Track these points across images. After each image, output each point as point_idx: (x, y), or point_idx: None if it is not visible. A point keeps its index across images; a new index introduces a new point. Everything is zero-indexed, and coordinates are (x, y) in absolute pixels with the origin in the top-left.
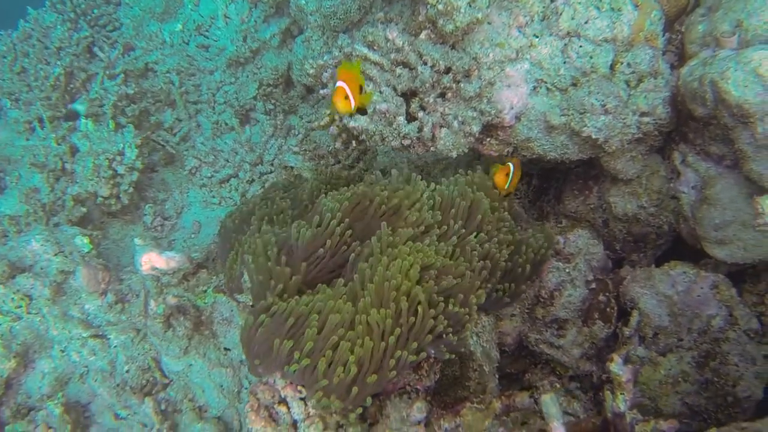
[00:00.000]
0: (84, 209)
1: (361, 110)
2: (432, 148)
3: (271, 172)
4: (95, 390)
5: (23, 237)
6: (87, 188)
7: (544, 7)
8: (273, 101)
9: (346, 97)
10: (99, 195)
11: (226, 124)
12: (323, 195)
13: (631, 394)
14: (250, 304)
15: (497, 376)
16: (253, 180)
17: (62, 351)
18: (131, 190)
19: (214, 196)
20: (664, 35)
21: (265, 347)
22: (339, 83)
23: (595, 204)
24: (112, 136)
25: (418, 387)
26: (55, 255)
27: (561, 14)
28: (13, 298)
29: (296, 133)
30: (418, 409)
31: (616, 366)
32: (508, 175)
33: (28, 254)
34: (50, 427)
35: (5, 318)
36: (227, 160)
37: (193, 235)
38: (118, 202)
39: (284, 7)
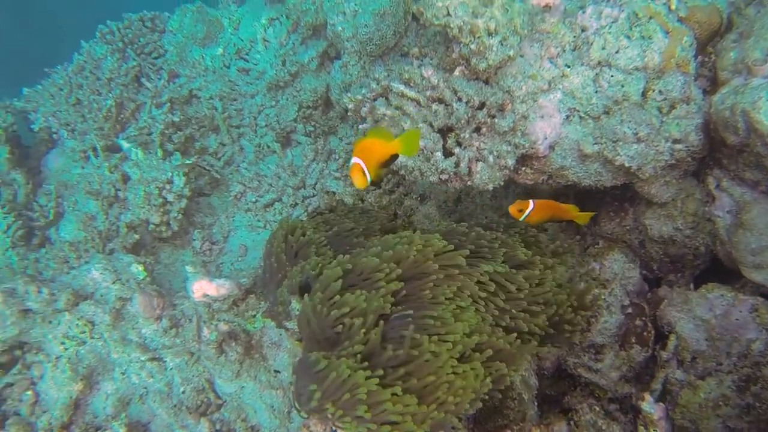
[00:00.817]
0: (137, 236)
1: (376, 183)
2: (469, 183)
3: (313, 195)
4: (154, 410)
5: (84, 266)
6: (139, 216)
7: (575, 37)
8: (313, 123)
9: (363, 173)
10: (150, 222)
11: (268, 146)
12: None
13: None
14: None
15: (536, 403)
16: (296, 204)
17: (123, 373)
18: (180, 216)
19: (259, 220)
20: (696, 59)
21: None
22: (355, 159)
23: (631, 225)
24: (160, 164)
25: (460, 416)
26: (113, 283)
27: (592, 44)
28: (77, 324)
29: (337, 157)
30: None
31: (648, 405)
32: (521, 211)
33: (90, 282)
34: None
35: (71, 342)
36: (271, 185)
37: (240, 259)
38: (168, 228)
39: (321, 30)
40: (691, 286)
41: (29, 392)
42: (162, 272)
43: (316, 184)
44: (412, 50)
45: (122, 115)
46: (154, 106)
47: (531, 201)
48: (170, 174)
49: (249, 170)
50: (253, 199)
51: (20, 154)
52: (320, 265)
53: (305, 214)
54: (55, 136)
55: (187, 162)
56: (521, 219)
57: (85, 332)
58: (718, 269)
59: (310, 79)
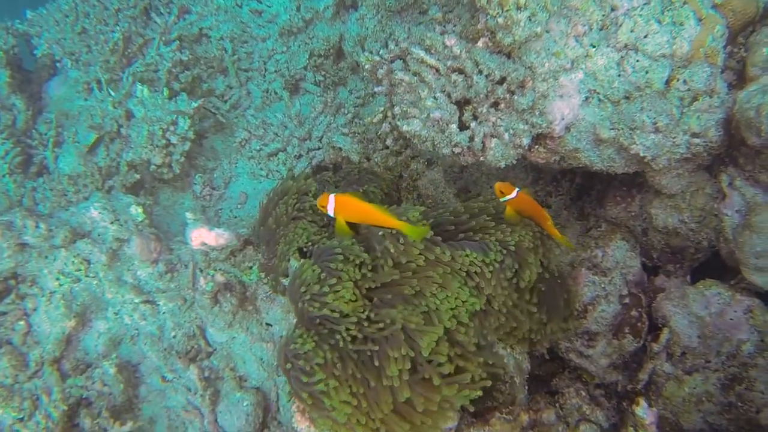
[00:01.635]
0: (137, 175)
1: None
2: (481, 158)
3: (318, 148)
4: (144, 352)
5: (83, 204)
6: (141, 155)
7: (603, 16)
8: (323, 72)
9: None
10: (152, 163)
11: (276, 93)
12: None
13: None
14: None
15: (527, 387)
16: (300, 155)
17: (116, 314)
18: (183, 159)
19: (261, 169)
20: (725, 50)
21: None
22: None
23: (637, 212)
24: (166, 104)
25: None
26: (112, 223)
27: (620, 26)
28: (73, 262)
29: (345, 112)
30: (450, 418)
31: (641, 410)
32: (503, 193)
33: (88, 221)
34: (105, 384)
35: (66, 279)
36: (276, 134)
37: (239, 206)
38: (170, 171)
39: None
40: (688, 278)
41: (22, 322)
42: (160, 214)
43: (322, 137)
44: (436, 15)
45: (129, 50)
46: (163, 43)
47: (516, 189)
48: (175, 115)
49: (255, 117)
50: (258, 147)
51: (21, 79)
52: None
53: (309, 166)
54: (58, 64)
55: (194, 105)
56: (501, 200)
57: (80, 270)
58: (716, 263)
59: (324, 27)
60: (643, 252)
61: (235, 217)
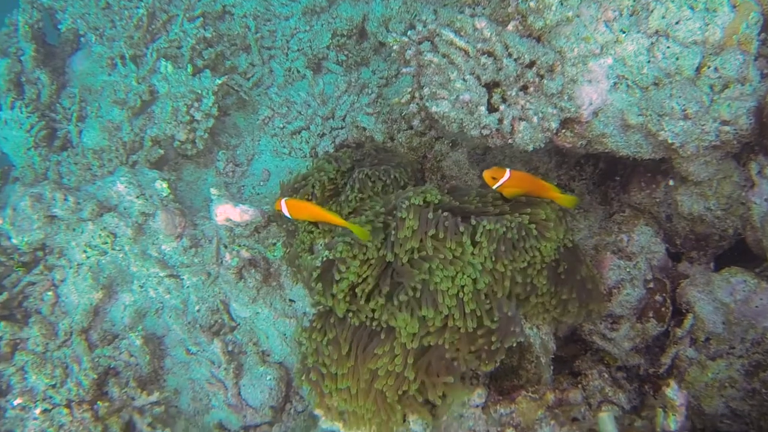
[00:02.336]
0: (161, 151)
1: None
2: (510, 141)
3: (342, 128)
4: (169, 325)
5: (109, 178)
6: (165, 131)
7: (634, 1)
8: (346, 52)
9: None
10: (176, 139)
11: (298, 71)
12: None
13: (683, 417)
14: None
15: (552, 366)
16: (324, 134)
17: (141, 287)
18: (206, 135)
19: (284, 147)
20: (759, 37)
21: None
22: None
23: (661, 198)
24: (189, 80)
25: (479, 372)
26: (137, 197)
27: (652, 11)
28: (100, 235)
29: (369, 92)
30: (478, 395)
31: (672, 391)
32: (495, 179)
33: (114, 194)
34: (132, 355)
35: (93, 252)
36: (300, 112)
37: (262, 183)
38: (194, 146)
39: None
40: (712, 265)
41: (50, 293)
42: (184, 190)
43: (345, 116)
44: None
45: (153, 26)
46: (187, 20)
47: (507, 170)
48: (199, 91)
49: (279, 95)
50: (281, 125)
51: (45, 53)
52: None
53: (332, 145)
54: (82, 39)
55: (218, 82)
56: (494, 187)
57: (107, 243)
58: (740, 250)
59: (347, 7)
60: (666, 238)
61: (258, 193)
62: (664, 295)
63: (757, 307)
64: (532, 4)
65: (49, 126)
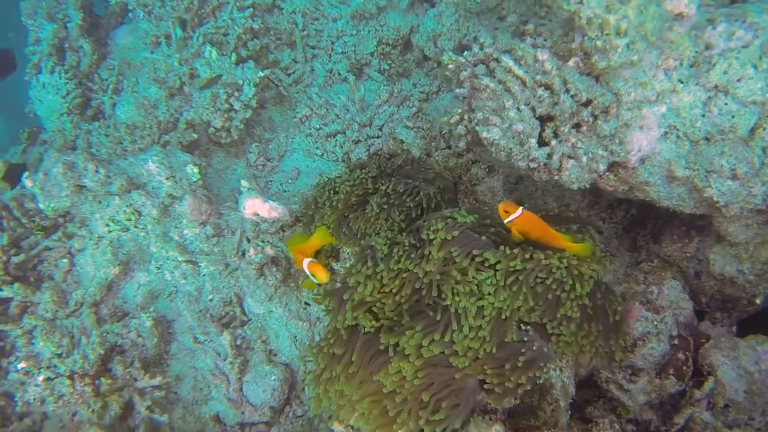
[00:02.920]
0: (195, 135)
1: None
2: (556, 177)
3: (378, 137)
4: (180, 310)
5: (141, 155)
6: (201, 116)
7: (696, 53)
8: (389, 61)
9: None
10: (212, 125)
11: (339, 74)
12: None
13: None
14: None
15: (569, 411)
16: (359, 141)
17: (158, 268)
18: (242, 126)
19: (318, 148)
20: None
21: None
22: (305, 263)
23: (692, 254)
24: (232, 69)
25: (497, 408)
26: (167, 179)
27: (714, 65)
28: (125, 211)
29: (410, 105)
30: (496, 431)
31: None
32: (507, 212)
33: (144, 173)
34: (140, 335)
35: (115, 227)
36: (338, 116)
37: (290, 181)
38: (228, 135)
39: None
40: (734, 328)
41: (65, 260)
42: (212, 177)
43: (383, 126)
44: (527, 27)
45: (203, 10)
46: (237, 8)
47: (521, 207)
48: (241, 81)
49: (319, 96)
50: (317, 126)
51: (91, 23)
52: None
53: (366, 153)
54: (130, 13)
55: (260, 74)
56: (505, 221)
57: (130, 220)
58: (765, 317)
59: (397, 16)
60: (691, 295)
61: (285, 191)
62: (687, 353)
63: None
64: (598, 43)
65: (85, 95)
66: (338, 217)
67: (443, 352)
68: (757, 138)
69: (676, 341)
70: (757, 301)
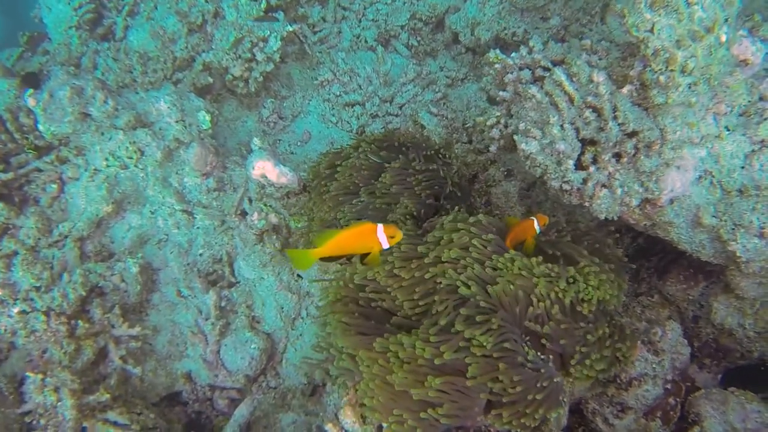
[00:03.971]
0: (210, 79)
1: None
2: (587, 204)
3: (397, 115)
4: (168, 260)
5: (153, 92)
6: (221, 60)
7: (749, 102)
8: (419, 38)
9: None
10: (230, 72)
11: (366, 41)
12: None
13: None
14: None
15: None
16: (377, 115)
17: (152, 213)
18: (261, 79)
19: (334, 115)
20: None
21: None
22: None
23: (695, 298)
24: (260, 16)
25: (491, 430)
26: (177, 122)
27: (765, 119)
28: (127, 147)
29: (436, 90)
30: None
31: None
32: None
33: (154, 111)
34: (123, 281)
35: (115, 162)
36: (360, 86)
37: (299, 144)
38: (245, 86)
39: None
40: (719, 377)
41: (55, 185)
42: (221, 126)
43: (404, 105)
44: (584, 42)
45: None
46: None
47: (533, 218)
48: (268, 32)
49: (345, 62)
50: (337, 92)
51: None
52: None
53: (383, 129)
54: None
55: (289, 29)
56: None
57: (132, 158)
58: (748, 369)
59: None
60: (685, 336)
61: (292, 153)
62: (677, 399)
63: None
64: (661, 78)
65: (98, 11)
66: (343, 191)
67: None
68: None
69: (669, 386)
70: (753, 356)
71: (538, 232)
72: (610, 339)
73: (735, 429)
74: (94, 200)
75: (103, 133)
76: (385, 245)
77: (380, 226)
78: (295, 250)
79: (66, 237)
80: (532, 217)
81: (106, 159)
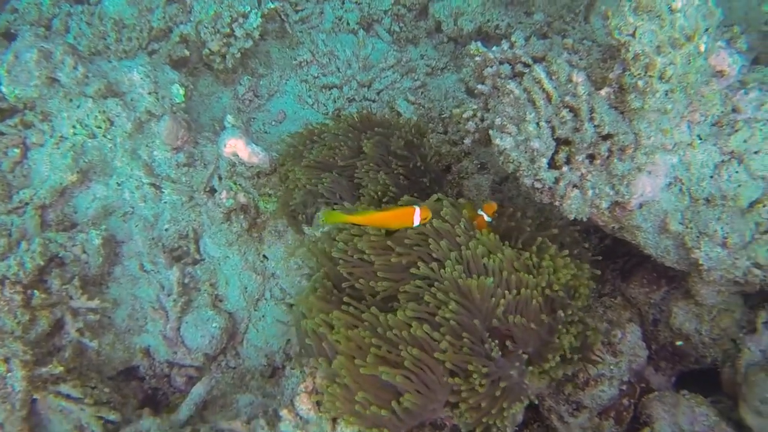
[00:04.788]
0: (187, 52)
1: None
2: (557, 203)
3: (374, 101)
4: (133, 234)
5: (127, 62)
6: (199, 34)
7: (722, 113)
8: (401, 24)
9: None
10: (207, 46)
11: (348, 24)
12: None
13: None
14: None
15: None
16: (354, 100)
17: (118, 185)
18: (239, 55)
19: (310, 96)
20: None
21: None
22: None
23: (657, 301)
24: None
25: (447, 423)
26: (149, 94)
27: (736, 131)
28: (96, 116)
29: (415, 78)
30: None
31: None
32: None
33: (126, 81)
34: (85, 252)
35: (82, 131)
36: (338, 69)
37: (274, 123)
38: (222, 61)
39: None
40: (673, 379)
41: (17, 150)
42: (195, 101)
43: (382, 91)
44: (566, 41)
45: None
46: None
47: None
48: (248, 8)
49: (326, 44)
50: (315, 74)
51: None
52: None
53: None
54: None
55: (271, 5)
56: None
57: (100, 128)
58: (703, 374)
59: None
60: (644, 339)
61: (266, 132)
62: (631, 400)
63: None
64: (640, 83)
65: None
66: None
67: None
68: (754, 212)
69: (624, 387)
70: (707, 361)
71: (489, 221)
72: (578, 339)
73: (683, 431)
74: (58, 168)
75: (71, 100)
76: (416, 223)
77: (418, 208)
78: (332, 211)
79: (27, 204)
80: (479, 211)
81: (74, 127)
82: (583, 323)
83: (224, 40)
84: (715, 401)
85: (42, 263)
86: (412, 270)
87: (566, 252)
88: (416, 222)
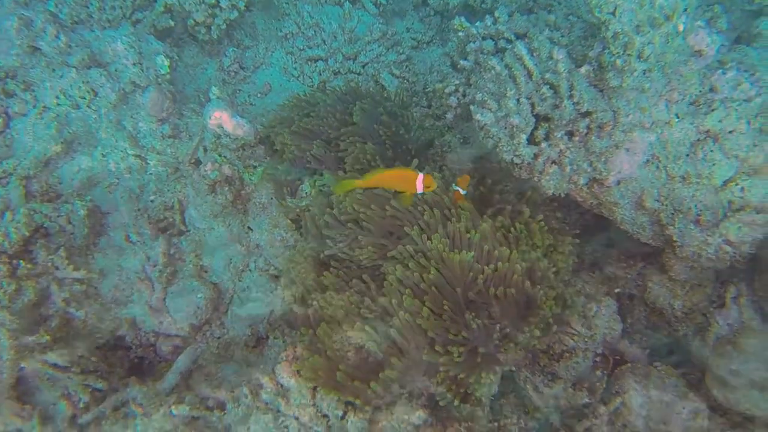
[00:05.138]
0: (172, 22)
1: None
2: (536, 179)
3: (359, 74)
4: (118, 205)
5: (110, 32)
6: (184, 4)
7: (700, 92)
8: None
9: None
10: (192, 17)
11: None
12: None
13: None
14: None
15: (488, 409)
16: (339, 72)
17: (103, 155)
18: (224, 26)
19: (296, 69)
20: None
21: None
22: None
23: (633, 277)
24: None
25: (424, 392)
26: (134, 64)
27: (712, 111)
28: (80, 87)
29: (400, 51)
30: (418, 417)
31: None
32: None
33: (110, 51)
34: (70, 222)
35: (66, 101)
36: (324, 41)
37: (259, 95)
38: (207, 32)
39: None
40: (647, 351)
41: (0, 119)
42: (180, 72)
43: (367, 64)
44: (548, 17)
45: None
46: None
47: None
48: None
49: (311, 16)
50: (301, 46)
51: None
52: None
53: (344, 86)
54: None
55: None
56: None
57: (84, 98)
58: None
59: None
60: (619, 312)
61: (252, 104)
62: (604, 372)
63: (677, 413)
64: (618, 61)
65: None
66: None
67: None
68: (727, 191)
69: (598, 359)
70: (679, 335)
71: (464, 193)
72: (555, 312)
73: (653, 401)
74: (42, 138)
75: (54, 70)
76: (420, 190)
77: (421, 175)
78: (342, 181)
79: (10, 174)
80: (454, 186)
81: (57, 97)
82: (562, 297)
83: (209, 11)
84: (686, 373)
85: (27, 234)
86: (406, 228)
87: (540, 216)
88: (419, 189)
